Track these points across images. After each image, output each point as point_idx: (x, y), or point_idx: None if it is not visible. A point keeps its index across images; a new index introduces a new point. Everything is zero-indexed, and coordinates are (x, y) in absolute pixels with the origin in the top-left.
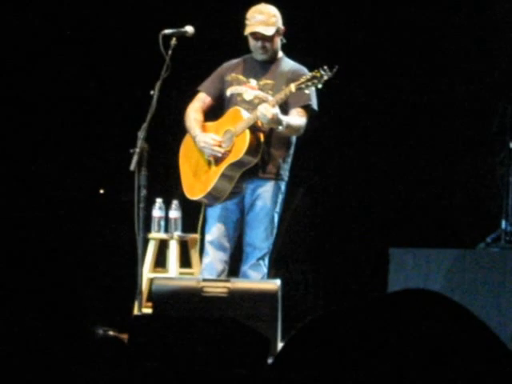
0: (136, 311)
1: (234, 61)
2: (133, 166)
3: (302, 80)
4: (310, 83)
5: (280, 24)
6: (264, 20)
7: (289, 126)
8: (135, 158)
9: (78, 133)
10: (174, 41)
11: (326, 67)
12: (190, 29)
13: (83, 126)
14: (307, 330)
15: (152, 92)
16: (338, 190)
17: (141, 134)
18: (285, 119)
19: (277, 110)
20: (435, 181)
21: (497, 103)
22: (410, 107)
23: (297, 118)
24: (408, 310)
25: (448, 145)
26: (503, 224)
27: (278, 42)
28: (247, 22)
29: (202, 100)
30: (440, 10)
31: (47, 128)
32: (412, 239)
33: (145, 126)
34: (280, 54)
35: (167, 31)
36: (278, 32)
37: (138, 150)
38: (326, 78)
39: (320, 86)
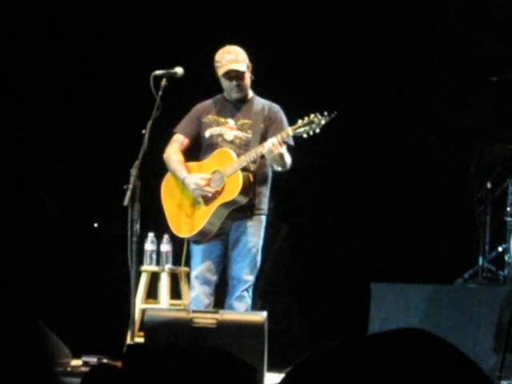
0: (129, 340)
1: (207, 102)
2: (126, 202)
3: (299, 124)
4: (307, 127)
5: (248, 61)
6: (234, 58)
7: (286, 165)
8: (128, 194)
9: (76, 169)
10: (164, 81)
11: (325, 112)
12: (179, 70)
13: (80, 163)
14: (301, 369)
15: (144, 131)
16: (321, 227)
17: (133, 171)
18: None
19: (285, 150)
20: (415, 218)
21: (476, 145)
22: (389, 146)
23: (288, 156)
24: (402, 349)
25: (428, 183)
26: (480, 261)
27: (249, 78)
28: (218, 65)
29: (179, 141)
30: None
31: (44, 162)
32: (393, 275)
33: (137, 163)
34: (251, 93)
35: (158, 72)
36: (247, 68)
37: (131, 186)
38: (323, 122)
39: (318, 130)
